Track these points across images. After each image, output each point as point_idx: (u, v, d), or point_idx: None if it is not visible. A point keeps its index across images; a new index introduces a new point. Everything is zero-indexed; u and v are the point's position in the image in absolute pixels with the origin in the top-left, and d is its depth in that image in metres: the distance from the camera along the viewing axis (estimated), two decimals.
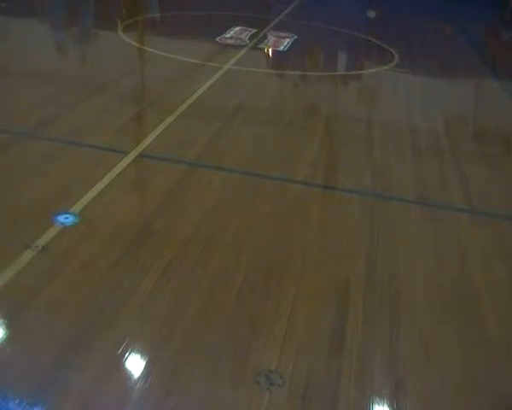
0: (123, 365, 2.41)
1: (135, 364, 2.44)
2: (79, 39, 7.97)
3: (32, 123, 4.57)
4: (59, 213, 3.34)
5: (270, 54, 7.88)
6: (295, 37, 8.44)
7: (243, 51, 7.48)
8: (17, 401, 2.16)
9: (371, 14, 11.34)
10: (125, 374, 2.40)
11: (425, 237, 3.63)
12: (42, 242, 3.08)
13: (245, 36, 8.20)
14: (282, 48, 7.92)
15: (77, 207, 3.45)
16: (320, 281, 3.09)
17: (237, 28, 8.53)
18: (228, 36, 8.12)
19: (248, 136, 4.91)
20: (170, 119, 4.92)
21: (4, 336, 2.49)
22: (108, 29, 8.17)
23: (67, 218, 3.33)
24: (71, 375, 2.31)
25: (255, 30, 8.56)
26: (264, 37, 8.41)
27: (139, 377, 2.35)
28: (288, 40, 8.24)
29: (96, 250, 3.11)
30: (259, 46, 7.93)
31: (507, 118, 6.13)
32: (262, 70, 7.20)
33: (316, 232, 3.56)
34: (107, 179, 3.81)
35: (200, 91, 5.68)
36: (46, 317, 2.64)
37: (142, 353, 2.49)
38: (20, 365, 2.35)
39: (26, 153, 4.15)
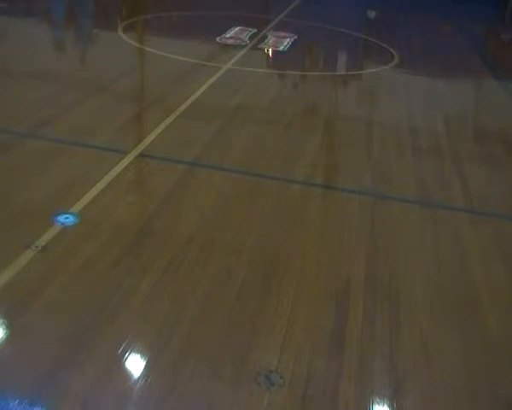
0: (123, 365, 2.41)
1: (135, 364, 2.44)
2: (79, 39, 7.97)
3: (32, 123, 4.57)
4: (59, 214, 3.34)
5: (270, 54, 7.88)
6: (295, 37, 8.44)
7: (243, 51, 7.48)
8: (17, 401, 2.16)
9: (371, 14, 11.34)
10: (125, 374, 2.40)
11: (425, 237, 3.63)
12: (42, 242, 3.09)
13: (245, 36, 8.20)
14: (282, 48, 7.92)
15: (77, 207, 3.45)
16: (320, 281, 3.09)
17: (237, 28, 8.53)
18: (228, 36, 8.12)
19: (248, 136, 4.91)
20: (170, 119, 4.92)
21: (4, 337, 2.49)
22: (108, 29, 8.17)
23: (67, 218, 3.33)
24: (71, 375, 2.31)
25: (255, 30, 8.56)
26: (265, 37, 8.41)
27: (139, 378, 2.35)
28: (288, 40, 8.24)
29: (96, 250, 3.11)
30: (259, 46, 7.93)
31: (507, 118, 6.13)
32: (262, 70, 7.20)
33: (316, 232, 3.56)
34: (107, 179, 3.81)
35: (200, 91, 5.68)
36: (46, 317, 2.64)
37: (142, 353, 2.49)
38: (20, 365, 2.35)
39: (26, 153, 4.14)
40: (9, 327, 2.56)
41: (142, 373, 2.38)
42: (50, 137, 4.39)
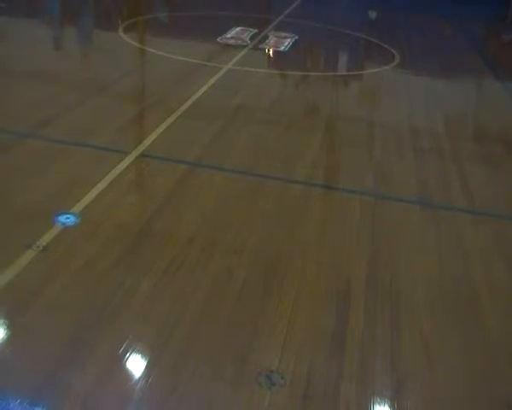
0: (124, 365, 2.41)
1: (136, 364, 2.44)
2: (80, 39, 7.97)
3: (32, 123, 4.57)
4: (60, 214, 3.34)
5: (271, 54, 7.88)
6: (296, 37, 8.43)
7: (244, 51, 7.48)
8: (18, 401, 2.16)
9: (372, 14, 11.34)
10: (126, 374, 2.40)
11: (426, 237, 3.63)
12: (43, 242, 3.09)
13: (246, 36, 8.20)
14: (282, 48, 7.91)
15: (78, 208, 3.45)
16: (321, 281, 3.08)
17: (238, 28, 8.53)
18: (229, 36, 8.12)
19: (249, 136, 4.91)
20: (171, 119, 4.92)
21: (5, 336, 2.49)
22: (109, 29, 8.18)
23: (68, 218, 3.33)
24: (72, 375, 2.31)
25: (256, 30, 8.56)
26: (265, 37, 8.41)
27: (140, 378, 2.35)
28: (288, 40, 8.23)
29: (97, 250, 3.11)
30: (260, 46, 7.93)
31: (507, 118, 6.13)
32: (263, 70, 7.19)
33: (317, 232, 3.56)
34: (108, 179, 3.81)
35: (200, 92, 5.68)
36: (47, 317, 2.64)
37: (143, 353, 2.49)
38: (21, 365, 2.35)
39: (27, 153, 4.14)
40: (10, 327, 2.56)
41: (143, 373, 2.38)
42: (50, 138, 4.39)
